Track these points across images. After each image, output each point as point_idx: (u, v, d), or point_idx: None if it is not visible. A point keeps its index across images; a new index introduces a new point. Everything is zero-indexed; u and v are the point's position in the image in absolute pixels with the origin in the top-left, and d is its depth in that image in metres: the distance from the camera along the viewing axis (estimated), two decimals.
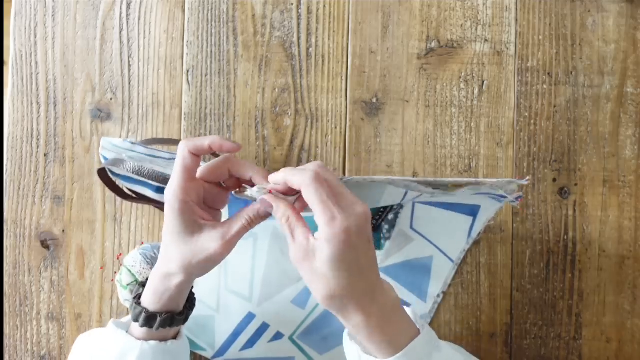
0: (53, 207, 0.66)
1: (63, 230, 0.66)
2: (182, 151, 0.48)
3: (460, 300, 0.66)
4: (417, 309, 0.64)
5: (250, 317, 0.62)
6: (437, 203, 0.62)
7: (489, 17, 0.67)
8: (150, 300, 0.51)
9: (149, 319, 0.50)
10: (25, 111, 0.67)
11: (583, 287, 0.66)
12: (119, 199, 0.65)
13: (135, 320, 0.51)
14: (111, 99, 0.67)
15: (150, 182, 0.59)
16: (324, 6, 0.67)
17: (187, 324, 0.61)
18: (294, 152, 0.66)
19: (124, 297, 0.61)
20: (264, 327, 0.62)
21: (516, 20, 0.67)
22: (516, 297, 0.66)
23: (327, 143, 0.67)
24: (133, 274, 0.60)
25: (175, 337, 0.53)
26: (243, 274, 0.62)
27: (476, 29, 0.67)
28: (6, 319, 0.66)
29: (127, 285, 0.60)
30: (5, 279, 0.66)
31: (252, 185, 0.49)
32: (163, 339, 0.52)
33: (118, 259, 0.66)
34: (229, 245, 0.48)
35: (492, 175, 0.66)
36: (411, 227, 0.63)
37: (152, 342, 0.51)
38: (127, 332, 0.52)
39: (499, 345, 0.66)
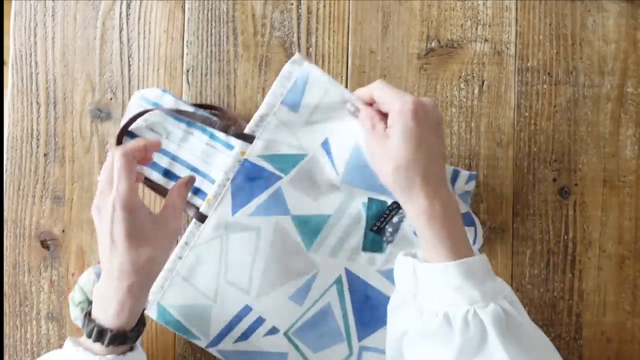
0: (53, 207, 0.66)
1: (63, 230, 0.66)
2: None
3: None
4: None
5: (246, 309, 0.62)
6: None
7: (489, 17, 0.67)
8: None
9: (101, 334, 0.51)
10: (25, 111, 0.67)
11: (583, 287, 0.66)
12: None
13: (89, 335, 0.51)
14: (111, 99, 0.67)
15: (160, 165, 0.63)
16: (324, 6, 0.67)
17: (183, 311, 0.61)
18: None
19: (75, 315, 0.62)
20: (259, 321, 0.62)
21: (516, 20, 0.67)
22: None
23: None
24: (85, 292, 0.61)
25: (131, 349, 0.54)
26: (243, 266, 0.62)
27: (476, 29, 0.67)
28: (6, 319, 0.66)
29: (79, 303, 0.61)
30: (5, 279, 0.66)
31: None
32: (120, 353, 0.52)
33: (73, 275, 0.66)
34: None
35: (492, 175, 0.66)
36: (415, 233, 0.63)
37: (109, 357, 0.51)
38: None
39: None
